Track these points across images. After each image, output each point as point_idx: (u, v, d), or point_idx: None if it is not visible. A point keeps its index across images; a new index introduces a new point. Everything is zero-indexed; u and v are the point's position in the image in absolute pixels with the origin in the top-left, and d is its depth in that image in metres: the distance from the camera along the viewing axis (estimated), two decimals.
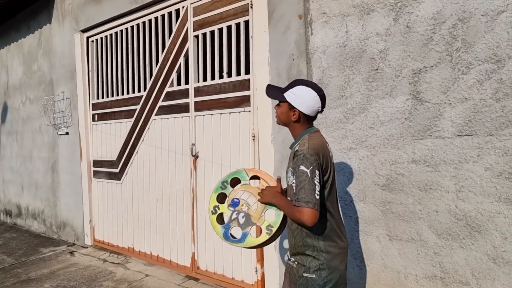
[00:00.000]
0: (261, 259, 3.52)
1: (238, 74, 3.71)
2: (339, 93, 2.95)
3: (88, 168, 5.44)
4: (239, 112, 3.66)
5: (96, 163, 5.39)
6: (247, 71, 3.62)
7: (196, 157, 4.04)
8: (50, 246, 5.68)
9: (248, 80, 3.56)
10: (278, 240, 3.31)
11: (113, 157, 5.11)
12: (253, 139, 3.53)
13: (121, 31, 4.98)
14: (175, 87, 4.27)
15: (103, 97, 5.31)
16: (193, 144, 4.05)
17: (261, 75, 3.38)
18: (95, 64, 5.40)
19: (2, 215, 7.65)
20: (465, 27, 2.40)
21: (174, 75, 4.28)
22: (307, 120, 2.01)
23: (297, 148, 1.92)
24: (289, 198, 1.97)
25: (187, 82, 4.16)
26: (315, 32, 3.07)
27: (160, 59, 4.41)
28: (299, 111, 1.96)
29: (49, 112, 5.97)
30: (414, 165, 2.61)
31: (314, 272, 1.91)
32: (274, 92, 2.02)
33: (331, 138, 2.98)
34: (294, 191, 1.83)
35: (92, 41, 5.38)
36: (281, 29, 3.26)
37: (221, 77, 3.86)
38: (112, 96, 5.16)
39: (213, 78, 3.91)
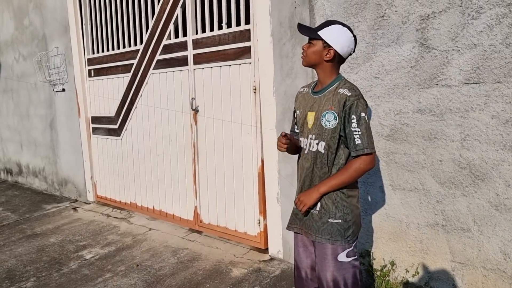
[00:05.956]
0: (263, 211, 3.56)
1: (238, 24, 3.58)
2: None
3: (87, 125, 5.40)
4: (240, 64, 3.57)
5: (95, 119, 5.34)
6: (247, 21, 3.49)
7: (196, 111, 3.99)
8: (52, 202, 5.74)
9: (249, 30, 3.44)
10: (279, 191, 3.33)
11: (112, 113, 5.05)
12: (254, 92, 3.47)
13: None
14: (173, 40, 4.15)
15: (98, 52, 5.17)
16: (193, 98, 3.99)
17: (261, 25, 3.27)
18: (88, 17, 5.21)
19: (3, 174, 7.68)
20: None
21: (171, 27, 4.14)
22: (338, 62, 1.96)
23: (347, 92, 1.87)
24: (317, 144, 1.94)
25: (185, 34, 4.04)
26: None
27: (156, 10, 4.25)
28: (334, 50, 1.90)
29: (44, 69, 5.83)
30: (419, 114, 2.58)
31: (340, 217, 1.92)
32: (308, 29, 1.96)
33: None
34: (358, 140, 1.84)
35: None
36: None
37: (220, 28, 3.73)
38: (108, 50, 5.02)
39: (212, 29, 3.78)
